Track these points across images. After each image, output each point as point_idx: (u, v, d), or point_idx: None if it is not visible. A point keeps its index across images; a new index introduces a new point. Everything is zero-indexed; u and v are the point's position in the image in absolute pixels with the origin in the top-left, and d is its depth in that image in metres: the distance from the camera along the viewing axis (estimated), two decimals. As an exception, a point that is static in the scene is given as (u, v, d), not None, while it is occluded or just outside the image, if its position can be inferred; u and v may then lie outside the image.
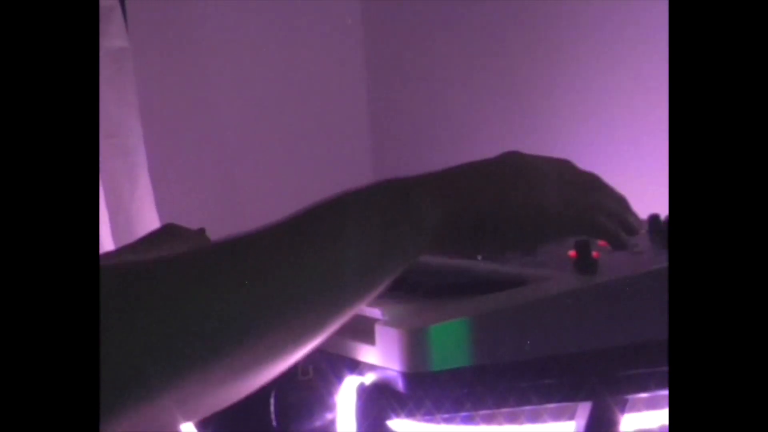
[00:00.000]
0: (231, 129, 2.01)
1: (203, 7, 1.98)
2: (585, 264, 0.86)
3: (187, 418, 0.70)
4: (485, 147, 1.74)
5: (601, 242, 0.93)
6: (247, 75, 2.01)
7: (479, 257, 0.92)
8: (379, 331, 0.78)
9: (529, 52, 1.79)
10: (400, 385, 0.76)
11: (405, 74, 2.06)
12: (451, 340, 0.76)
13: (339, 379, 0.80)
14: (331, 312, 0.70)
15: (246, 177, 2.00)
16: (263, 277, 0.67)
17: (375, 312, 0.80)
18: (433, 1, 1.96)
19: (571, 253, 0.88)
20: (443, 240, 0.77)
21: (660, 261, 0.85)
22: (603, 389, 0.81)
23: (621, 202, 0.88)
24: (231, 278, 0.66)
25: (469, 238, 0.79)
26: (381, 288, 0.73)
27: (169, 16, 1.95)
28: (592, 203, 0.85)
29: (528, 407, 0.81)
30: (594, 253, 0.86)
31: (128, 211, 1.78)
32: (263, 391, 0.79)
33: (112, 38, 1.76)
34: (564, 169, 0.86)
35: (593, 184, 0.87)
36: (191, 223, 1.15)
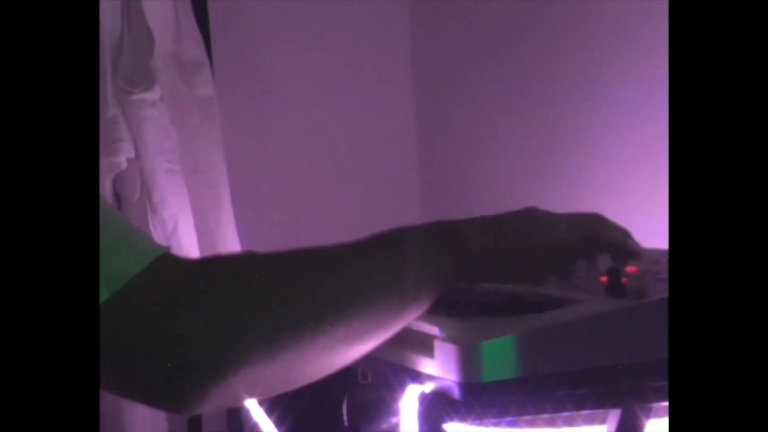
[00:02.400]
0: (301, 165, 2.03)
1: (278, 63, 2.00)
2: (615, 289, 0.86)
3: (259, 395, 0.78)
4: (529, 185, 1.68)
5: (629, 269, 0.93)
6: (313, 119, 2.04)
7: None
8: (438, 346, 0.78)
9: (571, 86, 1.75)
10: (455, 393, 0.77)
11: (453, 111, 2.05)
12: (501, 355, 0.77)
13: (403, 387, 0.80)
14: (390, 315, 0.77)
15: (313, 206, 2.01)
16: (347, 277, 0.75)
17: (434, 330, 0.80)
18: (483, 33, 1.94)
19: (603, 279, 0.88)
20: (483, 271, 0.83)
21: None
22: (630, 398, 0.81)
23: (622, 232, 0.91)
24: (323, 276, 0.74)
25: (503, 269, 0.84)
26: (428, 304, 0.80)
27: (249, 69, 1.98)
28: (595, 231, 0.89)
29: (565, 413, 0.81)
30: (624, 280, 0.86)
31: (214, 236, 1.79)
32: (336, 396, 0.79)
33: (201, 88, 1.78)
34: (569, 215, 0.90)
35: (596, 218, 0.90)
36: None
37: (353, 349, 0.75)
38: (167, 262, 0.70)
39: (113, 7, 1.67)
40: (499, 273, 0.84)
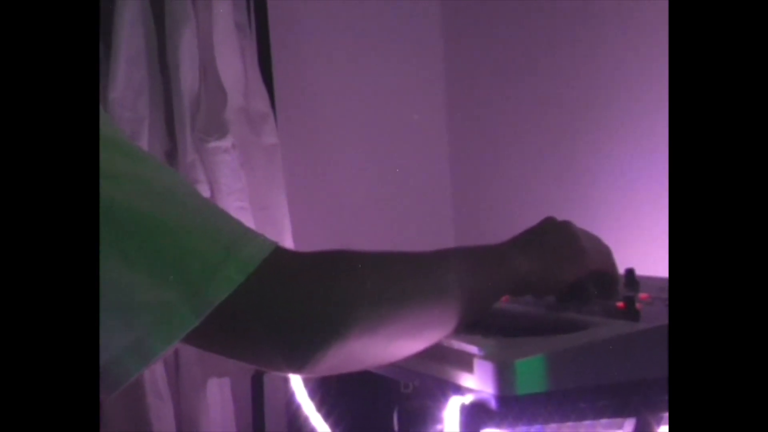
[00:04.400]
0: (352, 201, 2.05)
1: (332, 114, 2.03)
2: (631, 313, 0.86)
3: (358, 365, 0.82)
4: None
5: (642, 296, 0.93)
6: (362, 161, 2.06)
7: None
8: (477, 363, 0.79)
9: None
10: (492, 404, 0.77)
11: (485, 133, 1.99)
12: (532, 371, 0.77)
13: (446, 398, 0.81)
14: (450, 316, 0.82)
15: (364, 236, 2.02)
16: (429, 275, 0.82)
17: (473, 349, 0.80)
18: (517, 55, 1.86)
19: (620, 304, 0.88)
20: (525, 285, 0.89)
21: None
22: (644, 408, 0.81)
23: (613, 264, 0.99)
24: (412, 271, 0.81)
25: (541, 282, 0.90)
26: (477, 314, 0.85)
27: (307, 120, 2.01)
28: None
29: (586, 422, 0.82)
30: (638, 305, 0.87)
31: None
32: (385, 404, 0.80)
33: (266, 136, 1.81)
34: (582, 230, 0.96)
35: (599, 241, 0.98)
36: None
37: (426, 335, 0.81)
38: (282, 251, 0.77)
39: (192, 69, 1.71)
40: (538, 287, 0.90)
